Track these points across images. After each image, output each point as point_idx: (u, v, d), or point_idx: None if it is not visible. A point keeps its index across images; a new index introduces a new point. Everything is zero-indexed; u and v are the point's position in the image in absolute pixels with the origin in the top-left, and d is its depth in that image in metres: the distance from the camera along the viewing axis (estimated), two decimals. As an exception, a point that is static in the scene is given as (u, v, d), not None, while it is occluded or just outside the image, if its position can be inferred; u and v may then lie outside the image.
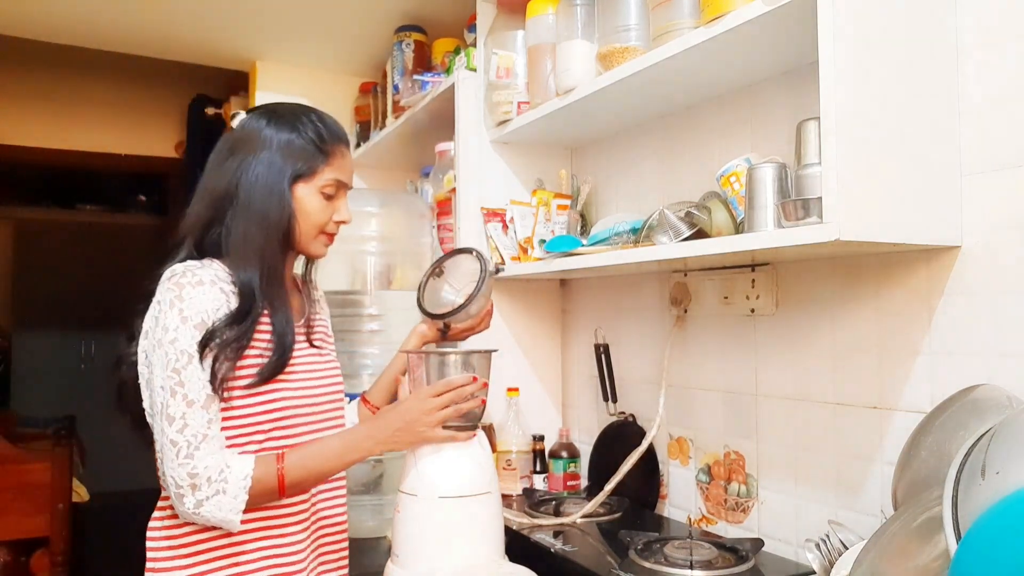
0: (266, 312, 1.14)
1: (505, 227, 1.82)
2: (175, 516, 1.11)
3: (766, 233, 1.10)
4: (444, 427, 1.18)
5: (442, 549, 1.17)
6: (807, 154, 1.08)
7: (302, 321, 1.26)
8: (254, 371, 1.12)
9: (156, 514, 1.15)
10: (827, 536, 1.09)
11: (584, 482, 1.83)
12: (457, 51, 2.02)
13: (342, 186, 1.22)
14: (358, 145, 2.62)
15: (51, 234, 5.49)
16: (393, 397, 1.41)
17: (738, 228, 1.28)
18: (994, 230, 1.03)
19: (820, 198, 0.99)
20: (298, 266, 1.33)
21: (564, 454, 1.83)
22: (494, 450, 1.81)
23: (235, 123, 1.22)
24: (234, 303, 1.12)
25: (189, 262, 1.13)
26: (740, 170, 1.24)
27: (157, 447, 1.07)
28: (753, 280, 1.41)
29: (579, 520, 1.56)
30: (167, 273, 1.11)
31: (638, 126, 1.73)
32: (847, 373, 1.24)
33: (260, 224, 1.14)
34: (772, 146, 1.34)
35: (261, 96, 2.54)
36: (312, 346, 1.26)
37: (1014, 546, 0.61)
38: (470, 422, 1.22)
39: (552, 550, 1.38)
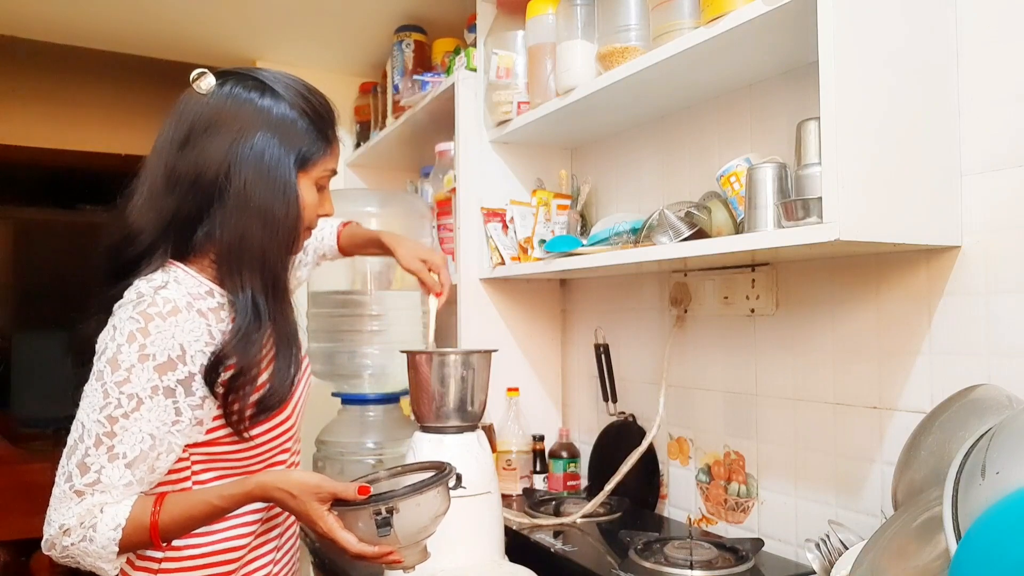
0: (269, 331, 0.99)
1: (505, 227, 1.82)
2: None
3: (766, 233, 1.10)
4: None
5: (442, 549, 1.17)
6: (807, 154, 1.08)
7: None
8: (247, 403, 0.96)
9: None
10: (827, 536, 1.09)
11: (584, 482, 1.83)
12: (457, 51, 2.02)
13: (333, 176, 1.08)
14: (358, 145, 2.62)
15: (51, 234, 5.49)
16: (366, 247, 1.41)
17: (738, 228, 1.28)
18: (994, 230, 1.03)
19: (820, 198, 0.99)
20: None
21: (564, 454, 1.83)
22: (494, 450, 1.81)
23: (203, 87, 0.97)
24: (215, 324, 0.95)
25: (158, 278, 0.94)
26: (740, 170, 1.24)
27: (56, 486, 0.91)
28: (753, 280, 1.41)
29: (579, 520, 1.56)
30: (131, 295, 0.93)
31: (638, 126, 1.73)
32: (847, 373, 1.24)
33: (264, 221, 0.95)
34: (772, 146, 1.34)
35: (261, 96, 2.54)
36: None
37: (1014, 546, 0.61)
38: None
39: (552, 550, 1.38)
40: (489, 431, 1.84)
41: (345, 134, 2.71)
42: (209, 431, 0.97)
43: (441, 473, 0.99)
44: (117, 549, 0.90)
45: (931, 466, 0.89)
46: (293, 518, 1.11)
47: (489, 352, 1.28)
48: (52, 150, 3.84)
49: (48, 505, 0.93)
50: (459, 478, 1.01)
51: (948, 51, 1.07)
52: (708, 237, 1.27)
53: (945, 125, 1.06)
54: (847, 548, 1.05)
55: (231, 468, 1.01)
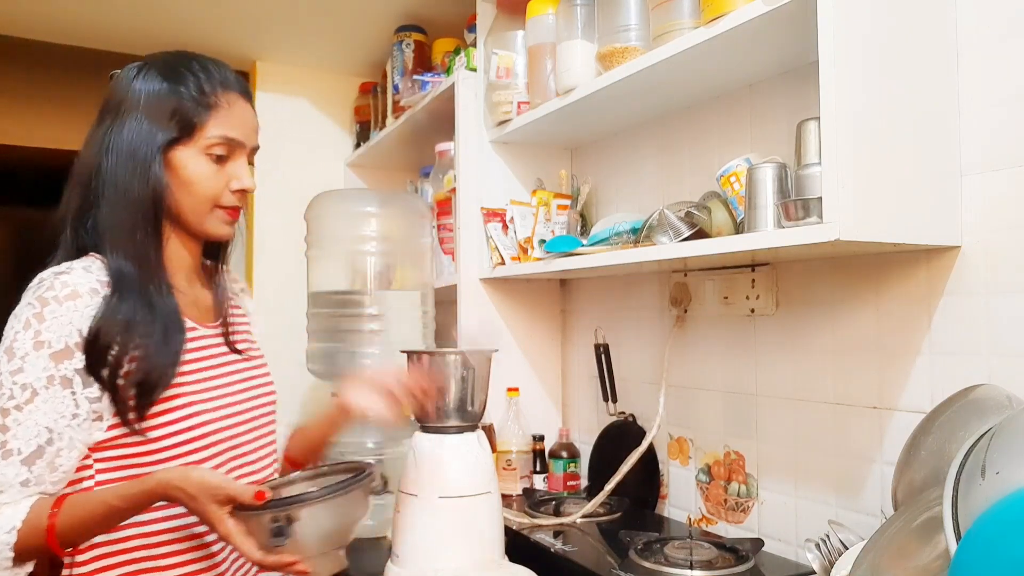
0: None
1: (505, 227, 1.82)
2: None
3: (766, 233, 1.10)
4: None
5: (442, 549, 1.17)
6: (807, 154, 1.08)
7: (218, 321, 1.07)
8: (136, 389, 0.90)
9: None
10: (827, 536, 1.09)
11: (584, 482, 1.83)
12: (457, 51, 2.02)
13: (237, 146, 0.99)
14: (358, 145, 2.62)
15: (51, 234, 5.48)
16: (317, 450, 1.22)
17: (738, 228, 1.28)
18: (994, 230, 1.03)
19: (820, 198, 0.99)
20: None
21: (564, 454, 1.83)
22: (494, 450, 1.81)
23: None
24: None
25: (64, 264, 0.92)
26: (740, 170, 1.24)
27: None
28: (753, 280, 1.41)
29: (579, 520, 1.56)
30: (34, 280, 0.91)
31: (638, 126, 1.73)
32: (847, 373, 1.24)
33: (124, 204, 0.93)
34: (772, 146, 1.34)
35: (261, 96, 2.54)
36: (233, 351, 1.06)
37: (1014, 546, 0.61)
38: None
39: (552, 550, 1.38)
40: (489, 431, 1.84)
41: (345, 134, 2.71)
42: (110, 427, 0.92)
43: (354, 477, 0.91)
44: (12, 554, 0.84)
45: (931, 466, 0.89)
46: None
47: (489, 352, 1.28)
48: (52, 150, 3.84)
49: None
50: (385, 482, 0.97)
51: (948, 51, 1.07)
52: (708, 237, 1.27)
53: (945, 125, 1.06)
54: (847, 548, 1.05)
55: (136, 473, 0.92)
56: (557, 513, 1.61)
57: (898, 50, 1.03)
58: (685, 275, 1.58)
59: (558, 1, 1.58)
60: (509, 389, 1.88)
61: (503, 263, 1.78)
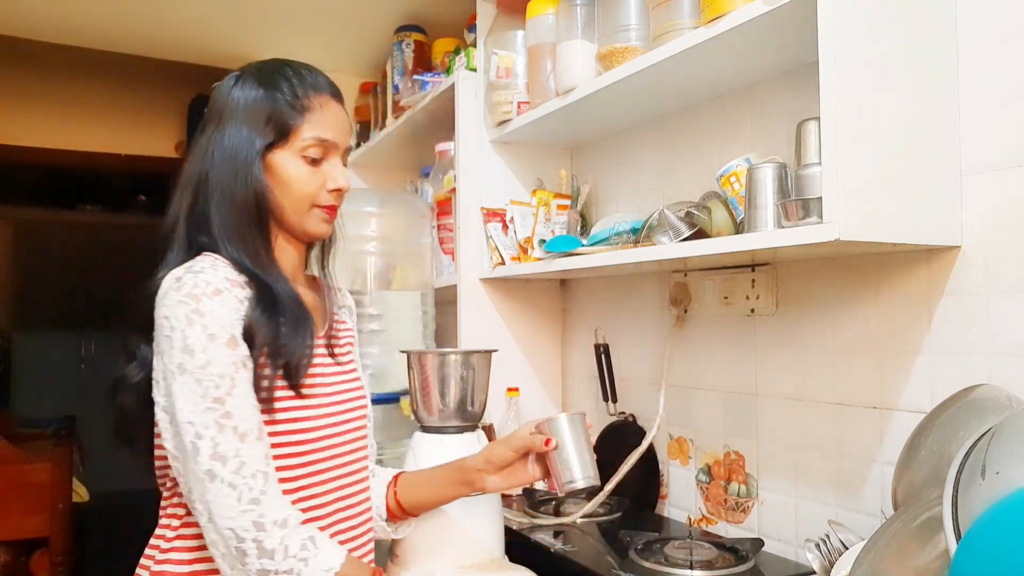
0: None
1: (505, 227, 1.82)
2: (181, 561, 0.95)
3: (766, 233, 1.10)
4: None
5: (442, 549, 1.17)
6: (807, 154, 1.08)
7: (323, 330, 1.08)
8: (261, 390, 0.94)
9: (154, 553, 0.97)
10: (827, 536, 1.09)
11: (584, 482, 1.82)
12: (457, 51, 2.02)
13: (331, 147, 1.02)
14: (358, 145, 2.62)
15: (51, 234, 5.49)
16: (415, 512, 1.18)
17: (738, 228, 1.28)
18: (994, 230, 1.03)
19: (820, 198, 0.99)
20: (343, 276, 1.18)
21: (564, 454, 1.83)
22: (494, 450, 1.81)
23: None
24: (246, 304, 0.94)
25: (191, 263, 0.94)
26: (740, 170, 1.24)
27: (192, 496, 0.88)
28: (753, 280, 1.41)
29: (579, 520, 1.56)
30: (170, 281, 0.92)
31: (638, 126, 1.73)
32: (847, 373, 1.24)
33: (231, 206, 0.98)
34: (772, 146, 1.34)
35: (261, 96, 2.54)
36: (334, 360, 1.07)
37: (1014, 546, 0.61)
38: None
39: (552, 550, 1.38)
40: (489, 431, 1.84)
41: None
42: None
43: None
44: None
45: (931, 466, 0.89)
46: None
47: (489, 352, 1.28)
48: (52, 150, 3.84)
49: (164, 519, 0.96)
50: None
51: (948, 51, 1.07)
52: (708, 237, 1.27)
53: (945, 125, 1.06)
54: (847, 548, 1.05)
55: None
56: (557, 513, 1.61)
57: (898, 50, 1.03)
58: (685, 275, 1.58)
59: (558, 1, 1.58)
60: (509, 389, 1.88)
61: (503, 263, 1.78)
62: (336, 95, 1.06)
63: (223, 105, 1.01)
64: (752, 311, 1.42)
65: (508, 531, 1.41)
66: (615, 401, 1.71)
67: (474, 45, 1.91)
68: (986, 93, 1.05)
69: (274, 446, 0.95)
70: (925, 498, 0.83)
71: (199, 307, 0.89)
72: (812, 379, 1.30)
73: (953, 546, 0.68)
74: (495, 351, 1.30)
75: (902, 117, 1.02)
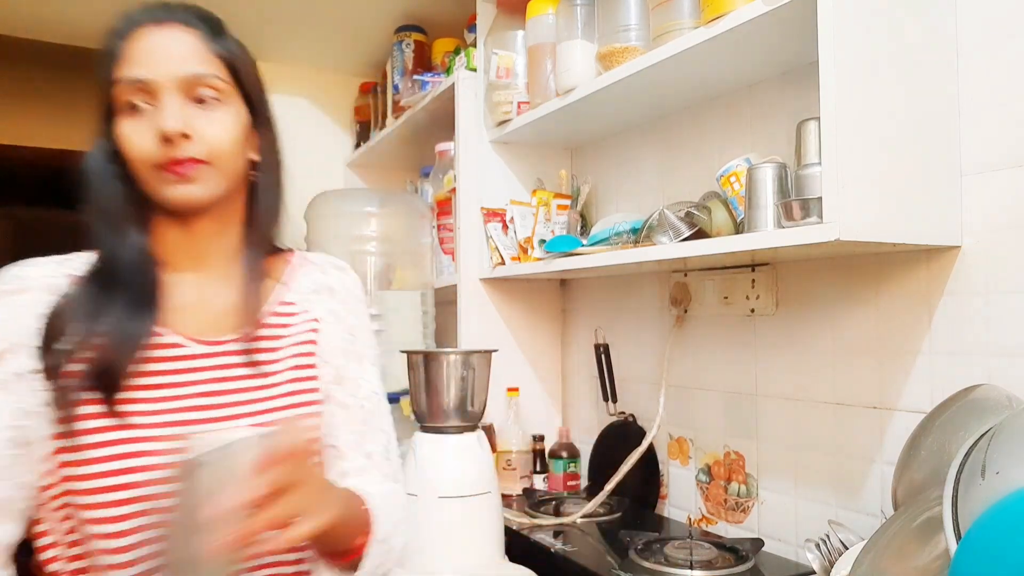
0: None
1: (505, 227, 1.82)
2: None
3: (766, 233, 1.10)
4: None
5: (442, 549, 1.17)
6: (807, 154, 1.08)
7: (229, 336, 0.83)
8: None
9: None
10: (827, 536, 1.09)
11: (584, 482, 1.83)
12: (457, 51, 2.02)
13: (152, 87, 0.77)
14: (358, 145, 2.62)
15: (51, 234, 5.48)
16: None
17: (738, 228, 1.28)
18: (994, 230, 1.03)
19: (820, 198, 0.99)
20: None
21: (564, 454, 1.83)
22: (494, 450, 1.81)
23: None
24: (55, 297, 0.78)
25: (35, 259, 0.82)
26: (740, 170, 1.24)
27: None
28: (753, 280, 1.41)
29: (579, 520, 1.56)
30: None
31: (638, 126, 1.73)
32: (847, 373, 1.24)
33: (99, 193, 0.85)
34: (772, 146, 1.34)
35: (261, 96, 2.54)
36: (252, 372, 0.82)
37: (1014, 546, 0.61)
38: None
39: (552, 550, 1.38)
40: (489, 431, 1.84)
41: (345, 134, 2.71)
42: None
43: None
44: None
45: (931, 466, 0.89)
46: None
47: (489, 352, 1.29)
48: (52, 150, 3.84)
49: None
50: None
51: (948, 51, 1.07)
52: (708, 237, 1.27)
53: (945, 125, 1.06)
54: (847, 548, 1.05)
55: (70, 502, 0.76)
56: (557, 513, 1.61)
57: (898, 50, 1.03)
58: (685, 275, 1.58)
59: (558, 1, 1.58)
60: (509, 389, 1.88)
61: (503, 263, 1.78)
62: (158, 20, 0.80)
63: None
64: (752, 311, 1.42)
65: (508, 531, 1.41)
66: (615, 401, 1.71)
67: (474, 45, 1.91)
68: (986, 93, 1.05)
69: (90, 506, 0.72)
70: (925, 498, 0.83)
71: None
72: (812, 379, 1.30)
73: (953, 546, 0.68)
74: (495, 351, 1.30)
75: (902, 117, 1.02)
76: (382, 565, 0.82)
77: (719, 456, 1.50)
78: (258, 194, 0.88)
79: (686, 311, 1.58)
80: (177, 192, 0.78)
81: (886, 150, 1.00)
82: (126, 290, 0.78)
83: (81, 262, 0.82)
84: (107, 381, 0.74)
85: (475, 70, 1.87)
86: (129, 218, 0.82)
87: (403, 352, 1.37)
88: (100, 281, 0.79)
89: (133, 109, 0.77)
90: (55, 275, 0.79)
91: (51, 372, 0.74)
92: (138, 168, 0.79)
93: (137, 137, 0.77)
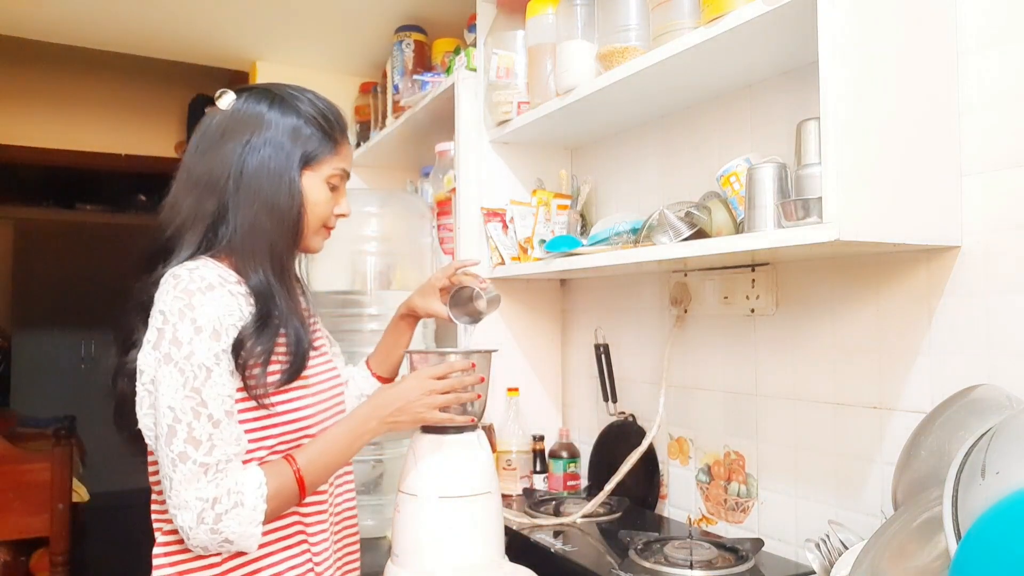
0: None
1: (505, 227, 1.82)
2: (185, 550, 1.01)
3: (766, 233, 1.10)
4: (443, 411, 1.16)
5: (442, 549, 1.17)
6: (807, 154, 1.08)
7: (310, 323, 1.18)
8: (268, 380, 1.03)
9: (162, 549, 1.04)
10: (827, 536, 1.09)
11: (584, 482, 1.83)
12: (457, 51, 2.02)
13: (346, 176, 1.17)
14: (358, 145, 2.62)
15: (51, 234, 5.49)
16: (395, 374, 1.39)
17: (738, 228, 1.28)
18: (994, 230, 1.03)
19: (820, 198, 0.99)
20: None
21: (564, 454, 1.83)
22: (494, 450, 1.81)
23: (223, 103, 1.10)
24: (245, 306, 1.03)
25: (189, 263, 1.01)
26: (740, 170, 1.24)
27: (164, 473, 0.96)
28: (753, 280, 1.41)
29: (579, 520, 1.56)
30: (168, 278, 1.00)
31: (638, 126, 1.73)
32: (847, 373, 1.24)
33: (270, 213, 1.06)
34: (772, 146, 1.34)
35: (261, 96, 2.54)
36: (317, 352, 1.17)
37: (1014, 546, 0.61)
38: (468, 414, 1.23)
39: (552, 550, 1.38)
40: (489, 431, 1.84)
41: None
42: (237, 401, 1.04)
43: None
44: (266, 507, 0.98)
45: (931, 466, 0.89)
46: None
47: (489, 352, 1.28)
48: (52, 150, 3.84)
49: (169, 495, 0.97)
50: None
51: (948, 51, 1.07)
52: (708, 237, 1.27)
53: (945, 125, 1.06)
54: (847, 548, 1.05)
55: (260, 438, 1.06)
56: (557, 513, 1.61)
57: (898, 50, 1.03)
58: (685, 275, 1.58)
59: (558, 1, 1.58)
60: (509, 389, 1.88)
61: (503, 263, 1.78)
62: (347, 132, 1.18)
63: (253, 118, 1.07)
64: (752, 311, 1.42)
65: (508, 531, 1.41)
66: (615, 401, 1.71)
67: (474, 45, 1.91)
68: (986, 93, 1.05)
69: (277, 436, 1.05)
70: (925, 498, 0.83)
71: (191, 301, 0.98)
72: (812, 379, 1.30)
73: (953, 546, 0.68)
74: (495, 351, 1.30)
75: (902, 117, 1.02)
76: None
77: (719, 456, 1.50)
78: None
79: (686, 311, 1.58)
80: (321, 246, 1.17)
81: (886, 150, 1.00)
82: (286, 309, 1.07)
83: (221, 266, 1.05)
84: (300, 359, 1.07)
85: (475, 70, 1.87)
86: (293, 245, 1.12)
87: (403, 352, 1.37)
88: (268, 297, 1.05)
89: (331, 185, 1.13)
90: (218, 278, 1.01)
91: (241, 358, 1.01)
92: (314, 221, 1.12)
93: (329, 204, 1.14)
